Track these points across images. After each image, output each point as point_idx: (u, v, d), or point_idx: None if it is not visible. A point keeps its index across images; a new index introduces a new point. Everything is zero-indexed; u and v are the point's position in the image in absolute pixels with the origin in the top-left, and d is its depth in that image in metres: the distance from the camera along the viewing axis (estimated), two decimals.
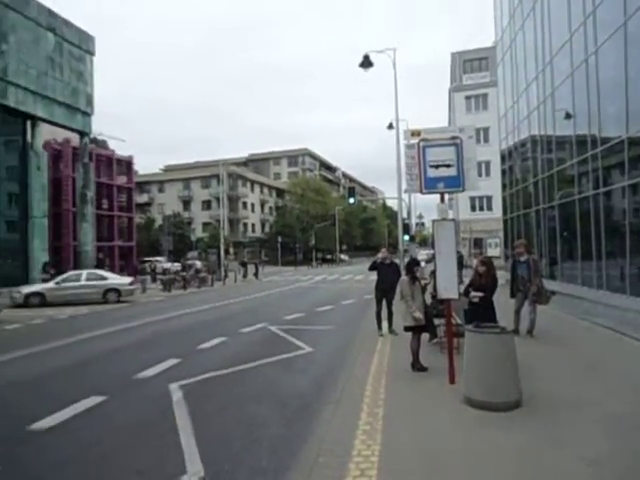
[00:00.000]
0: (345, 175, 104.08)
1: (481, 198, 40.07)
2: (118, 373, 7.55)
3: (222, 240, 35.85)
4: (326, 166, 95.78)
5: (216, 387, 6.68)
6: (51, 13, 25.18)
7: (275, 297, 20.56)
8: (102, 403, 5.97)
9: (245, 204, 68.20)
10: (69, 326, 13.32)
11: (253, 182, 71.29)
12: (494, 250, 30.41)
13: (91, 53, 28.25)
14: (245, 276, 34.63)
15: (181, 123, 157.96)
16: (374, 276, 10.57)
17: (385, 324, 10.11)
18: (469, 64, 43.07)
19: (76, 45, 26.87)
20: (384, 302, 10.15)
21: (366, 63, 16.81)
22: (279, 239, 55.24)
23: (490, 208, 39.43)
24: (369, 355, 8.08)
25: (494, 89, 31.08)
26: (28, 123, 24.63)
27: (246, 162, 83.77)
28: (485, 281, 7.02)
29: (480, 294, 6.94)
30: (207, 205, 65.38)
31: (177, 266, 34.56)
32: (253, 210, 70.64)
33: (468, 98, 42.10)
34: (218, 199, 50.70)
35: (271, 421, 5.26)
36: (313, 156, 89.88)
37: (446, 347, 6.54)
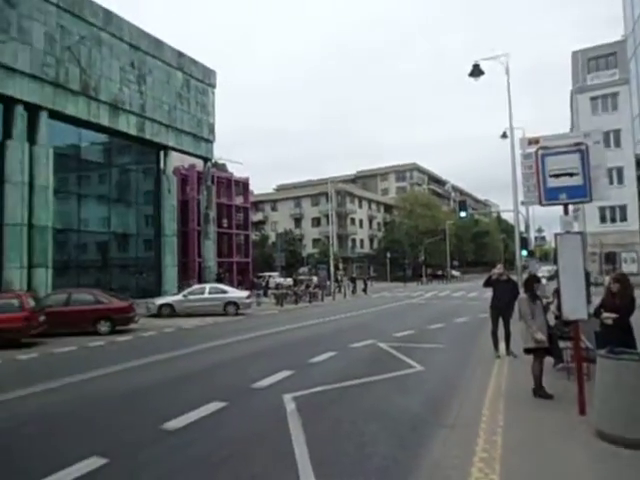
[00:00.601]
0: (455, 188, 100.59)
1: (612, 208, 35.99)
2: (237, 381, 8.04)
3: (332, 256, 36.60)
4: (435, 180, 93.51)
5: (327, 401, 6.79)
6: (180, 54, 28.25)
7: (384, 313, 20.40)
8: (223, 409, 6.39)
9: (353, 220, 69.03)
10: (195, 335, 14.53)
11: (361, 198, 72.01)
12: (631, 266, 27.02)
13: (213, 86, 31.06)
14: (354, 292, 34.90)
15: (292, 144, 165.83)
16: (489, 293, 10.02)
17: (502, 345, 9.50)
18: (594, 62, 39.33)
19: (200, 80, 29.78)
20: (500, 321, 9.55)
21: (476, 72, 16.23)
22: (388, 255, 54.86)
23: (624, 219, 35.23)
24: (485, 377, 7.64)
25: (625, 87, 28.00)
26: (161, 152, 27.69)
27: (354, 179, 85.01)
28: (620, 301, 6.28)
29: (614, 315, 6.22)
30: (317, 222, 67.37)
31: (289, 281, 35.99)
32: (361, 226, 71.19)
33: (594, 99, 38.38)
34: (327, 216, 52.01)
35: (382, 439, 5.20)
36: (421, 170, 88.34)
37: (574, 373, 5.95)
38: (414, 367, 8.80)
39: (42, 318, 13.02)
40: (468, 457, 4.44)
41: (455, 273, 66.63)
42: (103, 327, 14.63)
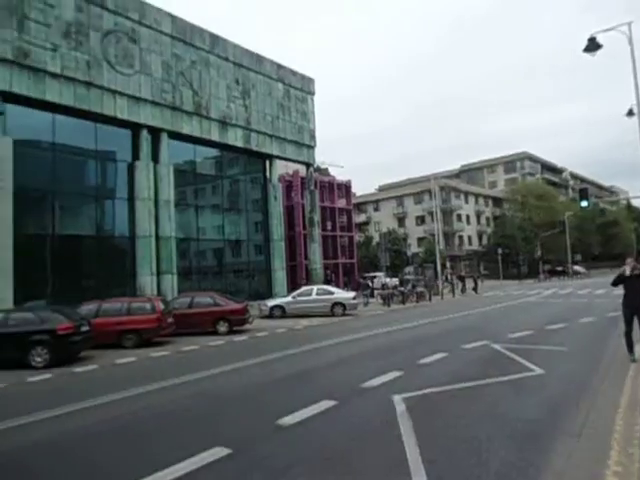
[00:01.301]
0: (574, 175, 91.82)
1: None
2: (346, 380, 8.16)
3: (438, 254, 35.55)
4: (549, 168, 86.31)
5: (439, 403, 6.62)
6: (279, 66, 29.49)
7: (498, 313, 19.31)
8: (333, 407, 6.53)
9: (460, 216, 66.33)
10: (304, 335, 15.04)
11: (467, 193, 68.96)
12: None
13: (312, 93, 31.95)
14: (463, 291, 33.51)
15: (391, 143, 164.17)
16: (619, 290, 9.01)
17: (638, 348, 8.48)
18: None
19: (299, 89, 30.81)
20: (635, 321, 8.54)
21: (592, 46, 14.69)
22: (499, 251, 51.83)
23: None
24: (617, 383, 6.88)
25: None
26: (267, 161, 29.13)
27: (458, 174, 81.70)
28: None
29: None
30: (421, 220, 65.87)
31: (395, 281, 35.62)
32: (468, 222, 68.14)
33: None
34: (431, 213, 50.63)
35: (498, 445, 4.94)
36: (533, 159, 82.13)
37: None
38: (533, 370, 8.21)
39: (170, 319, 14.41)
40: (599, 470, 4.04)
41: (578, 269, 60.78)
42: (222, 327, 15.78)
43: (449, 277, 37.39)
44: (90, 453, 5.48)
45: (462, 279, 35.55)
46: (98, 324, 12.65)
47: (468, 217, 68.16)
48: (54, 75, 18.41)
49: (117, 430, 6.26)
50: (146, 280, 20.75)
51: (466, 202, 68.14)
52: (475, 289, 33.41)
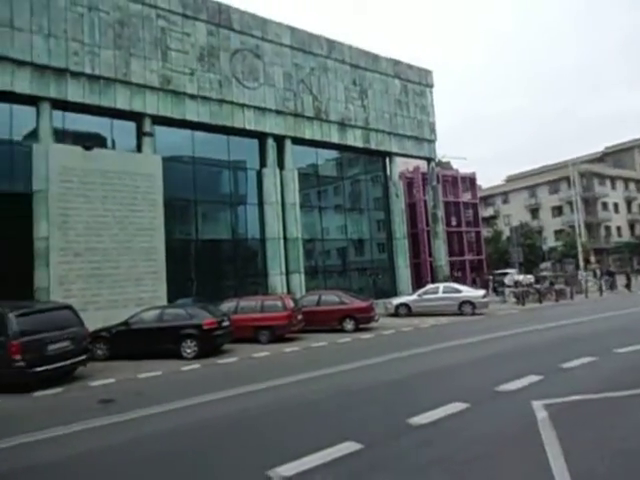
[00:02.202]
0: None
1: None
2: (478, 383, 7.78)
3: (580, 248, 32.08)
4: None
5: (587, 412, 5.98)
6: (396, 62, 29.16)
7: None
8: (466, 410, 6.27)
9: (605, 205, 59.16)
10: (431, 334, 14.67)
11: (613, 178, 61.20)
12: None
13: (430, 86, 31.03)
14: (613, 288, 29.78)
15: (517, 131, 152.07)
16: None
17: None
18: None
19: (417, 83, 30.12)
20: None
21: None
22: None
23: None
24: None
25: None
26: (387, 159, 29.01)
27: (602, 157, 72.76)
28: None
29: None
30: (558, 211, 60.11)
31: (529, 278, 32.99)
32: (617, 211, 60.44)
33: None
34: (570, 203, 45.88)
35: None
36: None
37: None
38: None
39: (300, 317, 15.12)
40: None
41: None
42: (348, 325, 16.10)
43: (597, 273, 33.49)
44: (223, 440, 5.98)
45: (612, 275, 31.61)
46: (236, 320, 13.77)
47: (616, 205, 60.51)
48: (192, 96, 20.46)
49: (252, 419, 6.75)
50: (276, 279, 22.04)
51: (613, 188, 60.57)
52: (628, 286, 29.48)
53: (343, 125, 25.87)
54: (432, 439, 5.33)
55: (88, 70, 17.85)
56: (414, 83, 29.94)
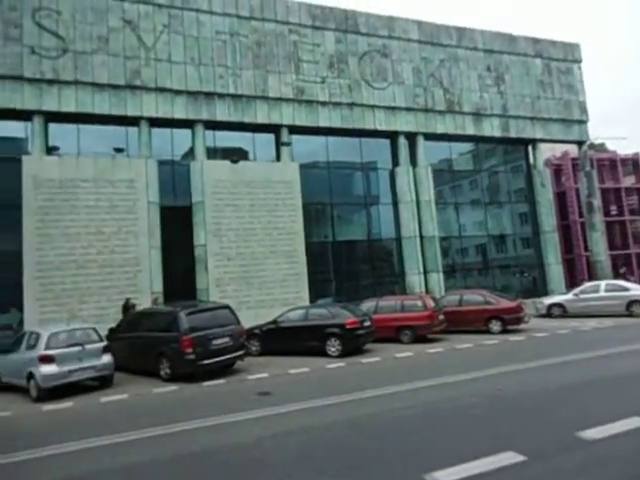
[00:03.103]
0: None
1: None
2: None
3: None
4: None
5: None
6: (535, 41, 26.72)
7: None
8: None
9: None
10: (594, 339, 13.09)
11: None
12: None
13: (578, 61, 27.82)
14: None
15: None
16: None
17: None
18: None
19: (562, 60, 27.22)
20: None
21: None
22: None
23: None
24: None
25: None
26: (529, 147, 26.73)
27: None
28: None
29: None
30: None
31: None
32: None
33: None
34: None
35: None
36: None
37: None
38: None
39: (441, 317, 14.65)
40: None
41: None
42: (495, 326, 15.14)
43: None
44: (378, 439, 5.99)
45: None
46: (377, 320, 13.84)
47: None
48: (324, 103, 21.19)
49: (405, 420, 6.67)
50: (414, 279, 21.69)
51: None
52: None
53: (478, 115, 24.52)
54: (609, 455, 4.73)
55: (232, 91, 19.57)
56: (558, 61, 27.15)
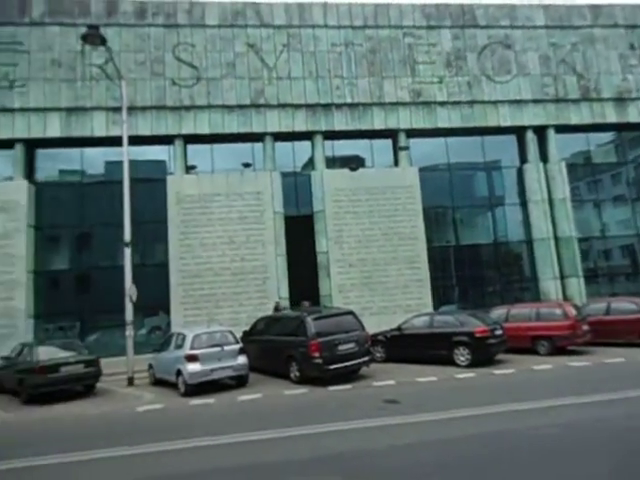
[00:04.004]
0: None
1: None
2: None
3: None
4: None
5: None
6: None
7: None
8: None
9: None
10: None
11: None
12: None
13: None
14: None
15: None
16: None
17: None
18: None
19: None
20: None
21: None
22: None
23: None
24: None
25: None
26: None
27: None
28: None
29: None
30: None
31: None
32: None
33: None
34: None
35: None
36: None
37: None
38: None
39: (585, 327, 13.17)
40: None
41: None
42: None
43: None
44: (510, 459, 5.50)
45: None
46: (508, 329, 12.90)
47: None
48: (442, 103, 20.55)
49: (548, 439, 6.07)
50: (549, 284, 19.88)
51: None
52: None
53: (621, 100, 21.83)
54: None
55: (349, 100, 19.92)
56: None
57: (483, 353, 11.88)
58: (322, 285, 18.70)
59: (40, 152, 19.05)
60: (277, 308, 16.64)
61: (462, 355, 11.92)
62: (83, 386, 11.80)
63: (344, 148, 20.75)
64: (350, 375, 11.54)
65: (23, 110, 18.08)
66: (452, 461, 5.55)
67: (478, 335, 11.76)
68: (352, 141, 20.66)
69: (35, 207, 18.18)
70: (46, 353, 11.56)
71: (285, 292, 18.22)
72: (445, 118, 20.48)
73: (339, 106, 19.95)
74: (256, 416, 8.61)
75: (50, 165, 19.42)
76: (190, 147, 19.53)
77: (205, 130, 19.07)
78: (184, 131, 18.96)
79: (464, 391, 9.65)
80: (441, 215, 21.38)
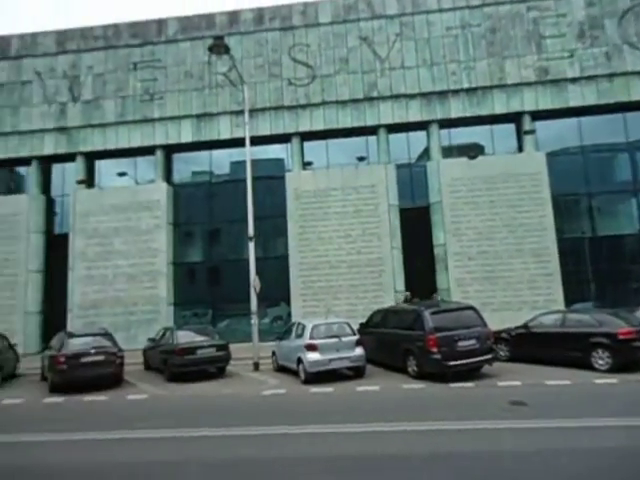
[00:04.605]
0: None
1: None
2: None
3: None
4: None
5: None
6: None
7: None
8: None
9: None
10: None
11: None
12: None
13: None
14: None
15: None
16: None
17: None
18: None
19: None
20: None
21: None
22: None
23: None
24: None
25: None
26: None
27: None
28: None
29: None
30: None
31: None
32: None
33: None
34: None
35: None
36: None
37: None
38: None
39: None
40: None
41: None
42: None
43: None
44: None
45: None
46: None
47: None
48: (573, 80, 18.60)
49: None
50: None
51: None
52: None
53: None
54: None
55: (466, 85, 18.98)
56: None
57: (627, 357, 10.55)
58: (439, 279, 18.15)
59: (175, 156, 21.16)
60: (407, 299, 16.40)
61: (601, 358, 10.72)
62: (216, 368, 12.92)
63: (461, 136, 19.82)
64: (472, 373, 11.06)
65: (161, 119, 20.21)
66: (585, 473, 5.05)
67: (622, 337, 10.46)
68: (470, 128, 19.64)
69: (173, 206, 20.26)
70: (184, 337, 12.86)
71: (401, 285, 18.03)
72: (577, 96, 18.52)
73: (455, 92, 19.10)
74: (374, 408, 8.68)
75: (184, 167, 21.49)
76: (306, 144, 20.18)
77: (320, 126, 19.56)
78: (301, 128, 19.65)
79: (602, 398, 8.70)
80: (573, 203, 19.39)
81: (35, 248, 20.01)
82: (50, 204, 21.16)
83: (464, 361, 10.57)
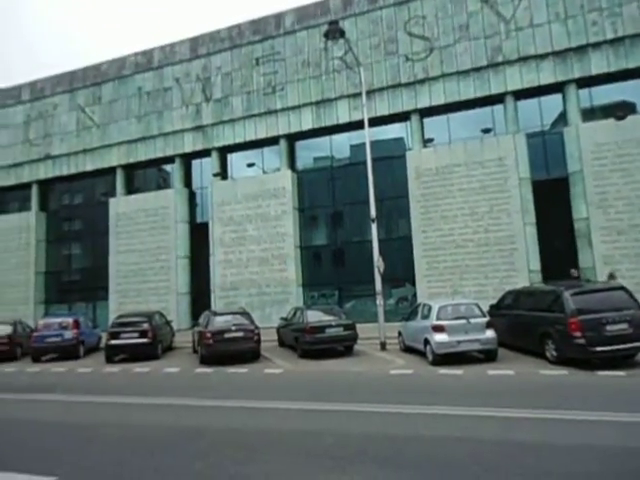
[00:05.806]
0: None
1: None
2: None
3: None
4: None
5: None
6: None
7: None
8: None
9: None
10: None
11: None
12: None
13: None
14: None
15: None
16: None
17: None
18: None
19: None
20: None
21: None
22: None
23: None
24: None
25: None
26: None
27: None
28: None
29: None
30: None
31: None
32: None
33: None
34: None
35: None
36: None
37: None
38: None
39: None
40: None
41: None
42: None
43: None
44: None
45: None
46: None
47: None
48: None
49: None
50: None
51: None
52: None
53: None
54: None
55: (610, 36, 16.75)
56: None
57: None
58: (582, 257, 16.45)
59: (298, 144, 22.00)
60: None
61: None
62: (343, 347, 13.37)
63: (605, 95, 17.54)
64: (624, 360, 9.93)
65: (283, 110, 21.11)
66: None
67: None
68: (615, 85, 17.29)
69: (297, 192, 21.17)
70: (314, 316, 13.48)
71: (536, 264, 16.72)
72: None
73: (597, 45, 16.90)
74: (511, 392, 8.26)
75: (306, 154, 22.27)
76: (426, 120, 19.54)
77: (440, 101, 18.78)
78: (420, 105, 19.07)
79: None
80: None
81: (182, 236, 22.50)
82: (192, 196, 23.55)
83: (613, 347, 9.51)
